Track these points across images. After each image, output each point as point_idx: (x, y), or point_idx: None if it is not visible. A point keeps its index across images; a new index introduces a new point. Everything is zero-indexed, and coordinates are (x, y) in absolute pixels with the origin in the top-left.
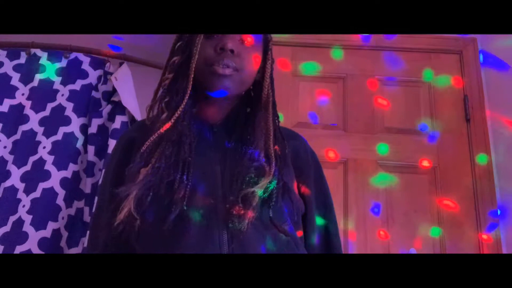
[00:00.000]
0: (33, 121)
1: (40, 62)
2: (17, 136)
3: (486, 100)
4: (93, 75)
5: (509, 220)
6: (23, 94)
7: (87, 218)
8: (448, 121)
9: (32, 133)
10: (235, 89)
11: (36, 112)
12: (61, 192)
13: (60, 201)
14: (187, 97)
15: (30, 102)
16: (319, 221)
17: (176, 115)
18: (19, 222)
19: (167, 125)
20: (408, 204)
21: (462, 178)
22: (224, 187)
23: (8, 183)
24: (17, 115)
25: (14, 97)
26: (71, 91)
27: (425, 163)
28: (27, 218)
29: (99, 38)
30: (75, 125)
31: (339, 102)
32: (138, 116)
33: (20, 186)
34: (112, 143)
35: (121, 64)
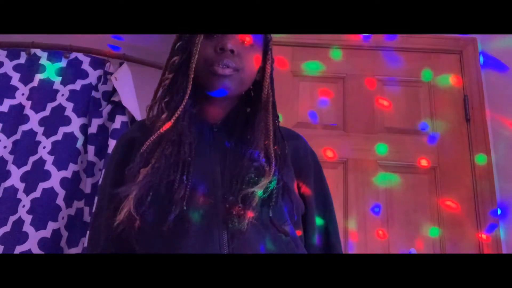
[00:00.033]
0: (33, 121)
1: (40, 62)
2: (17, 136)
3: (486, 100)
4: (93, 75)
5: (509, 220)
6: (23, 94)
7: (87, 218)
8: (448, 121)
9: (32, 133)
10: (235, 89)
11: (36, 112)
12: (61, 192)
13: (60, 201)
14: (187, 97)
15: (30, 102)
16: (319, 221)
17: (176, 115)
18: (19, 222)
19: (167, 125)
20: (408, 204)
21: (462, 178)
22: (224, 187)
23: (8, 183)
24: (17, 115)
25: (14, 97)
26: (71, 91)
27: (425, 163)
28: (27, 218)
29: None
30: (75, 125)
31: (339, 102)
32: (138, 116)
33: (20, 186)
34: (112, 143)
35: (121, 64)
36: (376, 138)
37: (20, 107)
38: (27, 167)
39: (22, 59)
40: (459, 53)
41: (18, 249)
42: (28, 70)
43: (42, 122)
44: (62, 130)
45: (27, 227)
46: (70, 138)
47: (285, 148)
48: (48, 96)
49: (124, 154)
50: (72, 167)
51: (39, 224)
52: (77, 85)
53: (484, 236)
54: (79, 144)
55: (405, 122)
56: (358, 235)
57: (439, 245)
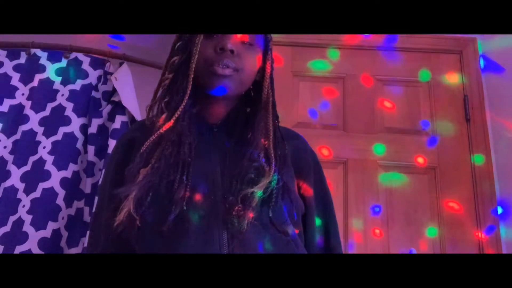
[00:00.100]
0: (33, 121)
1: (40, 62)
2: (17, 136)
3: (486, 100)
4: (93, 75)
5: (509, 220)
6: (23, 94)
7: (87, 218)
8: (448, 121)
9: (32, 133)
10: (235, 89)
11: (36, 112)
12: (61, 192)
13: (60, 201)
14: (187, 97)
15: (30, 102)
16: (319, 221)
17: (176, 115)
18: (19, 222)
19: (167, 125)
20: (408, 204)
21: (462, 178)
22: (224, 187)
23: (8, 183)
24: (17, 115)
25: (14, 97)
26: (71, 91)
27: (425, 163)
28: (27, 218)
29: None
30: (75, 125)
31: (339, 102)
32: (138, 116)
33: (20, 186)
34: (112, 143)
35: (121, 64)
36: (376, 138)
37: (20, 107)
38: (27, 167)
39: (22, 59)
40: (459, 53)
41: (18, 249)
42: (28, 70)
43: (42, 122)
44: (62, 130)
45: (27, 227)
46: (70, 138)
47: (285, 148)
48: (48, 96)
49: (124, 154)
50: (72, 167)
51: (39, 224)
52: (77, 85)
53: (482, 235)
54: (79, 144)
55: (405, 122)
56: (358, 235)
57: (439, 245)
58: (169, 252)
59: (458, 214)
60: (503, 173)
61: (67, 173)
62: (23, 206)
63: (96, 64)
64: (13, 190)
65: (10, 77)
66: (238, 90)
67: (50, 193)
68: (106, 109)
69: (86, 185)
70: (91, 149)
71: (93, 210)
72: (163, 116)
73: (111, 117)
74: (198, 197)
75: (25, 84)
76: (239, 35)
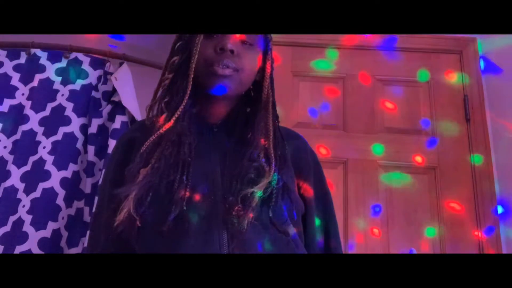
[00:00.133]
0: (33, 121)
1: (40, 62)
2: (17, 136)
3: (486, 100)
4: (93, 75)
5: (509, 220)
6: (23, 94)
7: (87, 218)
8: (448, 121)
9: (32, 133)
10: (235, 89)
11: (36, 112)
12: (61, 192)
13: (60, 201)
14: (186, 97)
15: (30, 102)
16: (318, 221)
17: (176, 115)
18: (19, 222)
19: (167, 125)
20: (408, 204)
21: (462, 178)
22: (223, 187)
23: (8, 183)
24: (17, 115)
25: (14, 97)
26: (71, 91)
27: (425, 163)
28: (27, 218)
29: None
30: (75, 125)
31: (339, 102)
32: (138, 116)
33: (20, 186)
34: (112, 143)
35: (121, 64)
36: (376, 138)
37: (20, 107)
38: (27, 167)
39: (22, 59)
40: (459, 53)
41: (18, 249)
42: (28, 70)
43: (42, 122)
44: (62, 130)
45: (27, 227)
46: (70, 138)
47: (285, 148)
48: (48, 96)
49: (124, 154)
50: (72, 167)
51: (39, 224)
52: (77, 85)
53: (480, 234)
54: (79, 144)
55: (405, 122)
56: (358, 235)
57: (439, 245)
58: (169, 252)
59: (458, 214)
60: (503, 173)
61: (67, 173)
62: (23, 206)
63: (96, 64)
64: (13, 190)
65: (10, 77)
66: (238, 90)
67: (50, 193)
68: (106, 109)
69: (86, 185)
70: (91, 149)
71: (93, 210)
72: (163, 116)
73: (111, 117)
74: (198, 197)
75: (25, 84)
76: (239, 35)
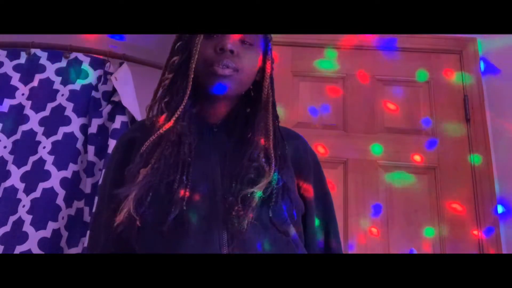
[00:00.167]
0: (33, 121)
1: (40, 62)
2: (17, 136)
3: (486, 100)
4: (93, 75)
5: (509, 220)
6: (23, 94)
7: (87, 218)
8: (448, 121)
9: (32, 133)
10: (235, 89)
11: (36, 112)
12: (61, 192)
13: (60, 201)
14: (186, 97)
15: (30, 102)
16: (319, 221)
17: (176, 115)
18: (19, 222)
19: (167, 126)
20: (408, 204)
21: (462, 178)
22: (223, 187)
23: (8, 183)
24: (17, 115)
25: (14, 97)
26: (71, 91)
27: (425, 163)
28: (27, 218)
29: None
30: (75, 125)
31: (339, 102)
32: (138, 116)
33: (20, 186)
34: (112, 143)
35: (121, 64)
36: (376, 138)
37: (20, 107)
38: (27, 167)
39: (22, 59)
40: (459, 53)
41: (18, 249)
42: (28, 70)
43: (42, 122)
44: (62, 130)
45: (27, 227)
46: (70, 138)
47: (285, 148)
48: (48, 96)
49: (124, 154)
50: (72, 167)
51: (39, 224)
52: (77, 85)
53: (480, 234)
54: (79, 144)
55: (405, 122)
56: (358, 235)
57: (439, 245)
58: (169, 252)
59: (458, 214)
60: (503, 173)
61: (67, 173)
62: (23, 206)
63: (96, 64)
64: (13, 190)
65: (10, 77)
66: (238, 90)
67: (50, 193)
68: (106, 109)
69: (86, 185)
70: (91, 149)
71: (93, 210)
72: (163, 116)
73: (111, 117)
74: (198, 197)
75: (25, 84)
76: (239, 35)
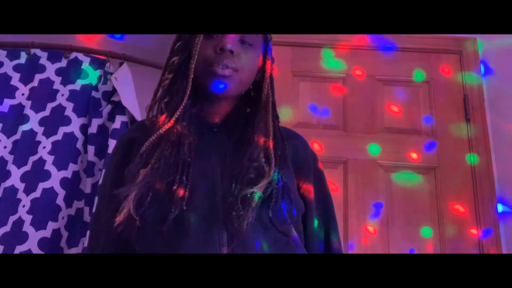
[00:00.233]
0: (33, 121)
1: (40, 62)
2: (17, 136)
3: (486, 100)
4: (93, 75)
5: (509, 220)
6: (23, 94)
7: (87, 218)
8: (448, 121)
9: (32, 133)
10: (235, 89)
11: (36, 112)
12: (61, 192)
13: (60, 201)
14: (186, 98)
15: (30, 102)
16: (319, 221)
17: (176, 115)
18: (19, 222)
19: (167, 126)
20: (408, 204)
21: (462, 178)
22: (223, 187)
23: (8, 183)
24: (17, 115)
25: (14, 97)
26: (71, 91)
27: (425, 163)
28: (27, 218)
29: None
30: (75, 125)
31: (339, 102)
32: (138, 116)
33: (20, 186)
34: (112, 143)
35: (121, 64)
36: (376, 138)
37: (20, 107)
38: (27, 167)
39: (22, 59)
40: (459, 53)
41: (18, 249)
42: (28, 70)
43: (42, 122)
44: (62, 130)
45: (27, 227)
46: (70, 138)
47: (285, 148)
48: (48, 96)
49: (124, 154)
50: (72, 167)
51: (39, 224)
52: (77, 85)
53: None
54: (79, 144)
55: (405, 122)
56: (358, 235)
57: (439, 245)
58: (169, 252)
59: (458, 214)
60: (503, 173)
61: (67, 173)
62: (23, 206)
63: (96, 64)
64: (13, 190)
65: (10, 77)
66: (238, 90)
67: (50, 193)
68: (106, 109)
69: (86, 185)
70: (91, 149)
71: (93, 210)
72: (163, 116)
73: (111, 117)
74: (198, 197)
75: (25, 84)
76: (238, 35)
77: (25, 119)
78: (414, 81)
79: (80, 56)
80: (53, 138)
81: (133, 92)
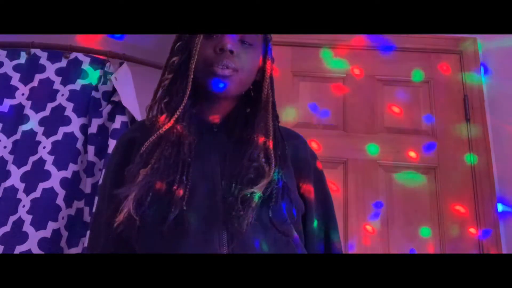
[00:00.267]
0: (33, 121)
1: (40, 62)
2: (17, 136)
3: (486, 100)
4: (93, 75)
5: (509, 220)
6: (23, 94)
7: (87, 218)
8: (448, 121)
9: (32, 133)
10: (235, 89)
11: (36, 112)
12: (61, 192)
13: (60, 201)
14: (186, 98)
15: (30, 102)
16: (319, 221)
17: (176, 115)
18: (19, 222)
19: (167, 126)
20: (408, 204)
21: (462, 178)
22: (223, 187)
23: (8, 183)
24: (17, 115)
25: (14, 97)
26: (71, 91)
27: (425, 163)
28: (27, 218)
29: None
30: (75, 125)
31: (339, 102)
32: (138, 116)
33: (20, 186)
34: (112, 143)
35: (121, 64)
36: (376, 138)
37: (20, 107)
38: (27, 167)
39: (22, 59)
40: (459, 53)
41: (18, 249)
42: (28, 70)
43: (42, 122)
44: (62, 130)
45: (27, 227)
46: (70, 138)
47: (285, 148)
48: (48, 96)
49: (124, 155)
50: (72, 167)
51: (39, 224)
52: (77, 85)
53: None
54: (79, 144)
55: (405, 122)
56: (358, 235)
57: (439, 245)
58: (169, 252)
59: (458, 214)
60: (503, 173)
61: (67, 173)
62: (23, 206)
63: (96, 64)
64: (13, 190)
65: (10, 77)
66: (238, 90)
67: (50, 193)
68: (106, 109)
69: (86, 185)
70: (91, 149)
71: (93, 210)
72: (163, 116)
73: (111, 117)
74: (198, 197)
75: (25, 84)
76: (238, 35)
77: (25, 119)
78: (414, 81)
79: (80, 56)
80: (53, 138)
81: (133, 92)
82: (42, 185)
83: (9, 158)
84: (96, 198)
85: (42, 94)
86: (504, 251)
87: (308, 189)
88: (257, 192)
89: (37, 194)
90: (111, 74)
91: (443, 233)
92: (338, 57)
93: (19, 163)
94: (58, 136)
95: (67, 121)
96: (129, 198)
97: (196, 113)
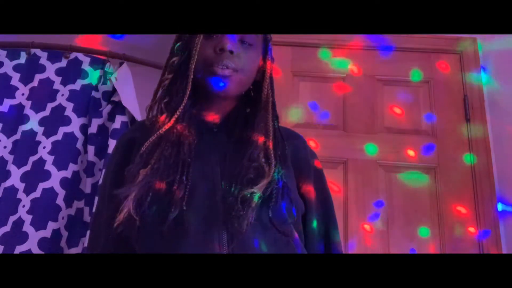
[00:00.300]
0: (33, 121)
1: (40, 62)
2: (17, 136)
3: (486, 100)
4: (93, 75)
5: (509, 220)
6: (23, 94)
7: (87, 218)
8: (448, 121)
9: (32, 133)
10: (235, 89)
11: (36, 112)
12: (61, 192)
13: (60, 201)
14: (186, 98)
15: (30, 102)
16: (319, 221)
17: (176, 115)
18: (19, 222)
19: (167, 126)
20: (408, 204)
21: (462, 178)
22: (223, 187)
23: (8, 183)
24: (17, 115)
25: (14, 97)
26: (71, 91)
27: (425, 163)
28: (27, 218)
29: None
30: (75, 125)
31: (339, 102)
32: (138, 116)
33: (20, 186)
34: (112, 143)
35: (121, 64)
36: (376, 138)
37: (20, 107)
38: (27, 167)
39: (22, 59)
40: (459, 53)
41: (18, 249)
42: (28, 70)
43: (42, 122)
44: (62, 130)
45: (27, 227)
46: (70, 138)
47: (285, 148)
48: (48, 96)
49: (124, 155)
50: (72, 167)
51: (39, 224)
52: (77, 85)
53: (480, 234)
54: (79, 144)
55: (405, 122)
56: (358, 235)
57: (439, 245)
58: (169, 252)
59: (458, 214)
60: (503, 173)
61: (67, 173)
62: (23, 206)
63: (96, 64)
64: (13, 190)
65: (10, 77)
66: (237, 90)
67: (50, 193)
68: (106, 109)
69: (86, 185)
70: (91, 149)
71: (93, 210)
72: (163, 116)
73: (111, 117)
74: (197, 197)
75: (25, 84)
76: (238, 35)
77: (25, 119)
78: (414, 81)
79: (80, 56)
80: (53, 138)
81: (133, 92)
82: (42, 185)
83: (9, 158)
84: (96, 198)
85: (42, 94)
86: (504, 251)
87: (308, 189)
88: (257, 192)
89: (37, 194)
90: (111, 74)
91: (443, 233)
92: (338, 57)
93: (19, 163)
94: (58, 136)
95: (67, 121)
96: (129, 198)
97: (196, 113)
